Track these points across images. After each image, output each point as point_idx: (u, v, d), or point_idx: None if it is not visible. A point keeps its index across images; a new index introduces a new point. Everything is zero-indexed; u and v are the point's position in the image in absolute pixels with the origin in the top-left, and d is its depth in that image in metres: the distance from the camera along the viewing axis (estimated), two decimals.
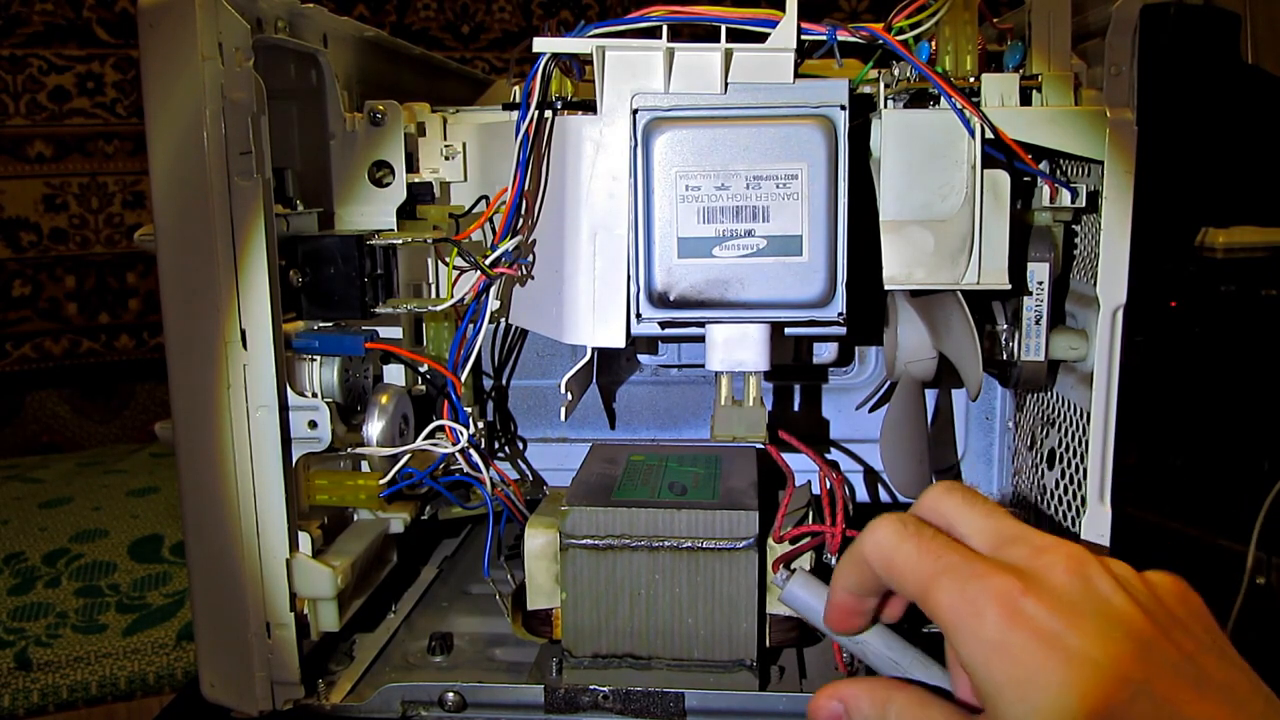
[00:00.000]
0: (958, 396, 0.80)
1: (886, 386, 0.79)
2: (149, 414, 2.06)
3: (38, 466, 1.72)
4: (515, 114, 0.60)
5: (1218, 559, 1.20)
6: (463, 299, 0.62)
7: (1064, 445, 0.65)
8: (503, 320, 0.67)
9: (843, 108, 0.55)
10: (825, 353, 0.75)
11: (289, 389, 0.59)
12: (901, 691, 0.43)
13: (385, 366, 0.72)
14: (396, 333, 0.69)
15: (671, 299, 0.56)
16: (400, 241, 0.63)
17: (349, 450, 0.64)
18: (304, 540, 0.60)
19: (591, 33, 0.58)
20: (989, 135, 0.56)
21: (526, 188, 0.60)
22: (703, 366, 0.79)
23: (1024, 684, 0.37)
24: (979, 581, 0.39)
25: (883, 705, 0.43)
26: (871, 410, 0.80)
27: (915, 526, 0.42)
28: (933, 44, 0.60)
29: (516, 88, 0.65)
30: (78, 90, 1.94)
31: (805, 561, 0.57)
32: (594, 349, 0.62)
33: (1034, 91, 0.59)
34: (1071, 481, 0.64)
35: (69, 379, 2.01)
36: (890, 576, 0.43)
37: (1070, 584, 0.39)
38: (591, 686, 0.60)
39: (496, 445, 0.83)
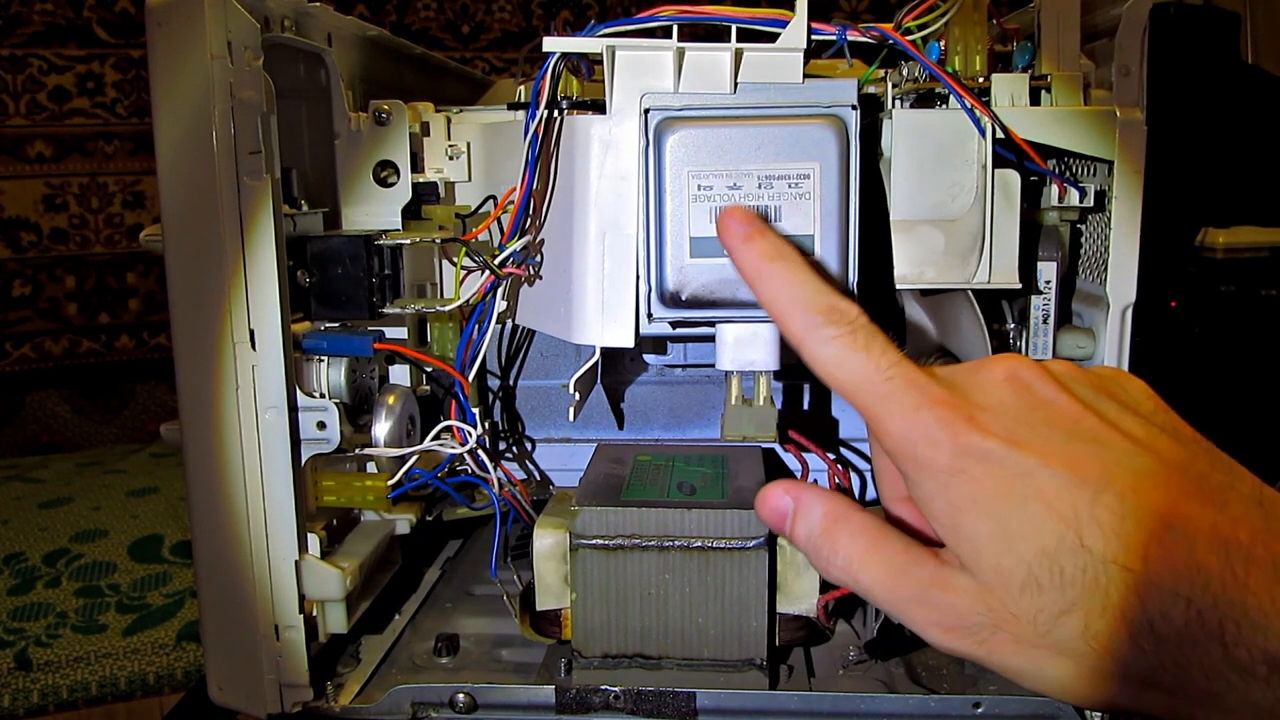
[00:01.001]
0: None
1: None
2: (149, 414, 2.06)
3: (38, 466, 1.72)
4: (520, 114, 0.60)
5: None
6: (469, 299, 0.62)
7: None
8: (509, 321, 0.66)
9: (854, 107, 0.55)
10: None
11: (297, 390, 0.58)
12: (858, 514, 0.41)
13: (390, 367, 0.72)
14: (401, 333, 0.69)
15: (683, 299, 0.56)
16: (408, 241, 0.63)
17: (356, 451, 0.63)
18: (312, 542, 0.60)
19: (601, 32, 0.58)
20: (999, 135, 0.56)
21: (535, 187, 0.60)
22: (708, 366, 0.80)
23: (990, 530, 0.36)
24: (929, 411, 0.38)
25: (834, 522, 0.41)
26: None
27: (866, 337, 0.40)
28: (942, 44, 0.60)
29: (523, 87, 0.64)
30: (78, 90, 1.93)
31: None
32: (601, 349, 0.62)
33: (1043, 91, 0.59)
34: None
35: (69, 379, 2.00)
36: (842, 391, 0.40)
37: (1013, 399, 0.38)
38: (603, 687, 0.60)
39: (502, 446, 0.83)
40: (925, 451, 0.37)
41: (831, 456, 0.65)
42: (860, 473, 0.81)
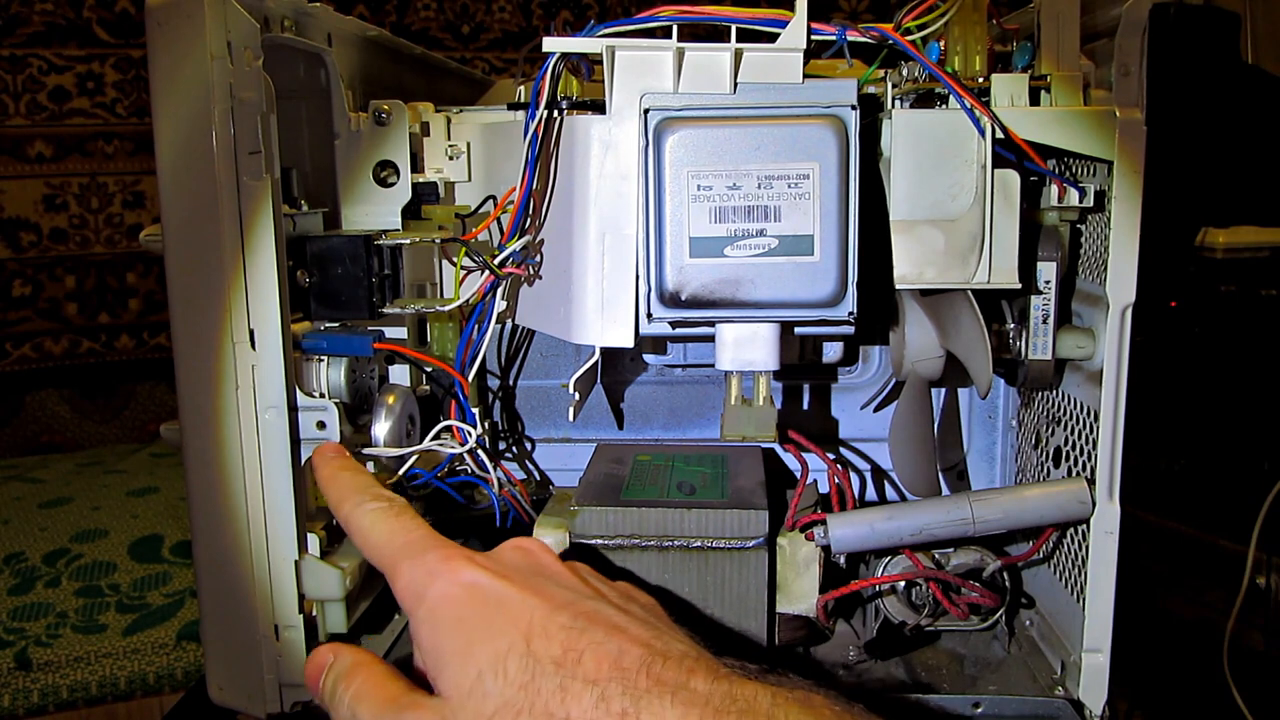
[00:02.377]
0: (961, 395, 0.80)
1: (891, 386, 0.79)
2: (149, 414, 2.06)
3: (38, 467, 1.72)
4: (519, 114, 0.60)
5: (1218, 559, 1.21)
6: (469, 299, 0.62)
7: (1070, 444, 0.65)
8: (508, 320, 0.66)
9: (854, 107, 0.55)
10: (831, 352, 0.75)
11: (297, 389, 0.58)
12: (379, 666, 0.47)
13: (389, 367, 0.72)
14: (401, 333, 0.69)
15: (683, 299, 0.56)
16: (408, 241, 0.63)
17: (357, 450, 0.63)
18: (312, 541, 0.60)
19: (601, 32, 0.58)
20: (999, 135, 0.56)
21: (534, 187, 0.60)
22: (708, 366, 0.80)
23: (458, 645, 0.43)
24: (436, 552, 0.46)
25: (356, 667, 0.47)
26: (876, 410, 0.80)
27: (401, 509, 0.50)
28: (942, 44, 0.60)
29: (523, 87, 0.64)
30: (78, 90, 1.93)
31: None
32: (601, 349, 0.62)
33: (1043, 92, 0.59)
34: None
35: (69, 379, 2.00)
36: (372, 553, 0.49)
37: (516, 556, 0.49)
38: None
39: (502, 445, 0.83)
40: (424, 582, 0.45)
41: (831, 456, 0.65)
42: (860, 472, 0.81)
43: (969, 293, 0.60)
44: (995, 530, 0.60)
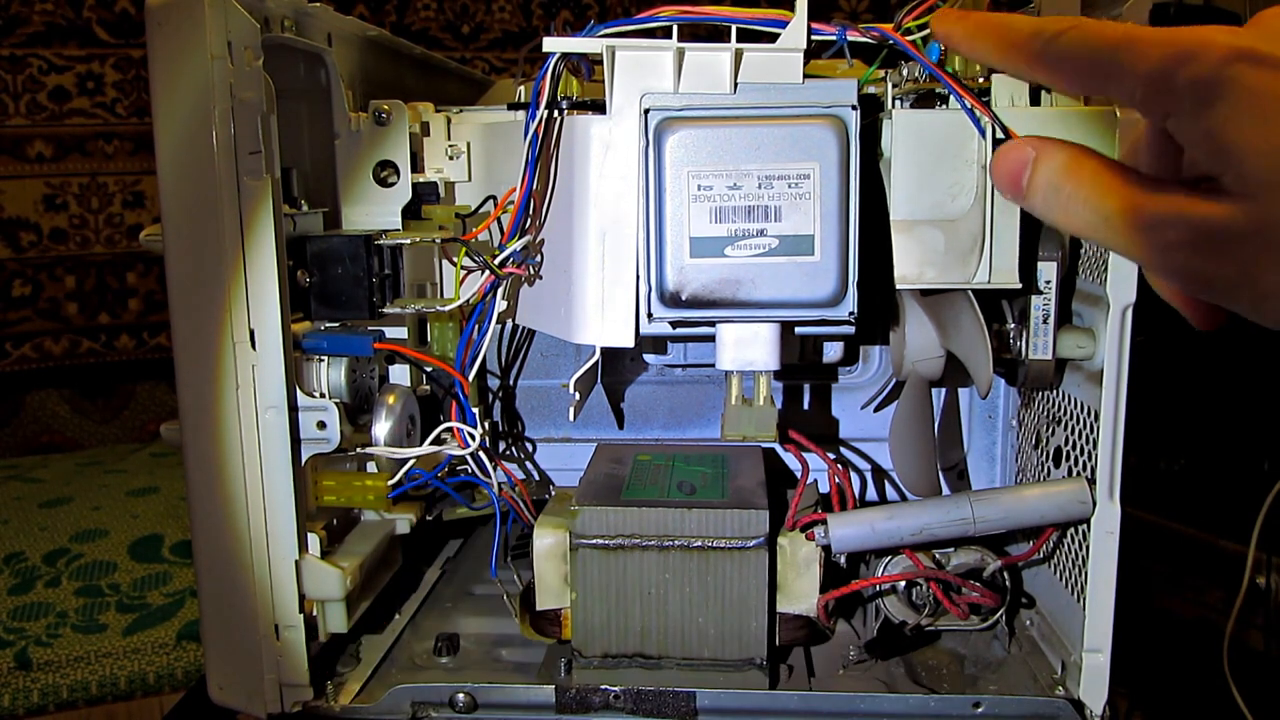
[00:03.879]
0: (962, 395, 0.80)
1: (891, 386, 0.79)
2: (149, 414, 2.06)
3: (38, 466, 1.72)
4: (519, 114, 0.60)
5: (1218, 559, 1.21)
6: (469, 299, 0.62)
7: (1070, 443, 0.65)
8: (509, 320, 0.66)
9: (854, 107, 0.55)
10: (831, 352, 0.75)
11: (297, 389, 0.59)
12: (1100, 155, 0.38)
13: (390, 367, 0.72)
14: (401, 333, 0.69)
15: (683, 298, 0.56)
16: (408, 241, 0.63)
17: (357, 451, 0.63)
18: (312, 541, 0.60)
19: (601, 33, 0.58)
20: (999, 135, 0.56)
21: (535, 188, 0.60)
22: (708, 366, 0.80)
23: (1263, 136, 0.33)
24: (1186, 34, 0.35)
25: (1079, 155, 0.38)
26: (876, 410, 0.80)
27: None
28: (942, 44, 0.60)
29: (523, 87, 0.64)
30: (78, 90, 1.93)
31: None
32: (601, 349, 0.62)
33: (1043, 91, 0.59)
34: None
35: (69, 379, 2.00)
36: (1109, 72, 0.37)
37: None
38: (603, 686, 0.60)
39: (502, 446, 0.83)
40: (1186, 69, 0.34)
41: (831, 456, 0.65)
42: (860, 472, 0.81)
43: (969, 293, 0.60)
44: (995, 530, 0.60)
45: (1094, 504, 0.59)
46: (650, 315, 0.57)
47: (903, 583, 0.65)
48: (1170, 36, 0.35)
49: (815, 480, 0.72)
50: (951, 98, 0.57)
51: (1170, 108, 0.35)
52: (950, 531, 0.59)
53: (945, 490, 0.77)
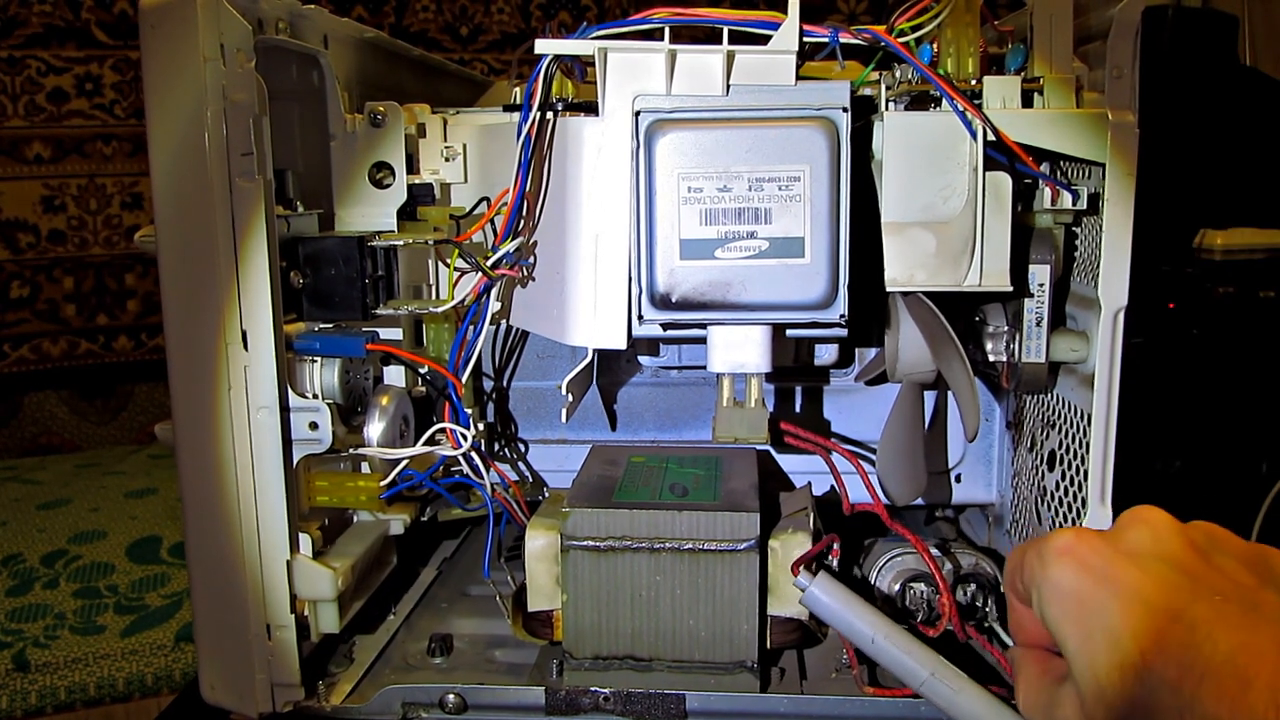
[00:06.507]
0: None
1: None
2: (147, 415, 2.06)
3: (36, 468, 1.72)
4: (515, 116, 0.60)
5: None
6: (463, 300, 0.62)
7: (1064, 447, 0.65)
8: (503, 322, 0.67)
9: (845, 110, 0.55)
10: (826, 354, 0.75)
11: (290, 390, 0.59)
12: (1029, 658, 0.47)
13: (385, 368, 0.72)
14: (396, 334, 0.69)
15: (674, 300, 0.56)
16: (401, 243, 0.63)
17: (349, 451, 0.64)
18: (304, 542, 0.60)
19: (594, 34, 0.58)
20: (991, 137, 0.56)
21: (528, 189, 0.60)
22: (702, 368, 0.80)
23: (1081, 620, 0.41)
24: (1049, 541, 0.43)
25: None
26: (869, 384, 0.79)
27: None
28: (935, 46, 0.60)
29: (518, 89, 0.64)
30: (76, 91, 1.93)
31: None
32: (594, 350, 0.62)
33: (1035, 94, 0.59)
34: (1072, 483, 0.64)
35: (67, 380, 2.00)
36: (1010, 574, 0.47)
37: (1132, 535, 0.42)
38: (592, 688, 0.60)
39: (497, 447, 0.83)
40: (1041, 574, 0.43)
41: (824, 448, 0.65)
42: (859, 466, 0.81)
43: (956, 342, 0.60)
44: (934, 704, 0.56)
45: None
46: (641, 317, 0.57)
47: (897, 585, 0.65)
48: (1040, 544, 0.44)
49: (809, 482, 0.72)
50: (943, 100, 0.57)
51: (1036, 599, 0.44)
52: (896, 670, 0.56)
53: (927, 494, 0.77)
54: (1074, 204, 0.61)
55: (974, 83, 0.59)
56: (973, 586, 0.65)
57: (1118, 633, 0.39)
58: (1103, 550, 0.41)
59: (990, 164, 0.57)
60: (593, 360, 0.62)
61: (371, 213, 0.66)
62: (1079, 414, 0.63)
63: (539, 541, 0.61)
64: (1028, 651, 0.48)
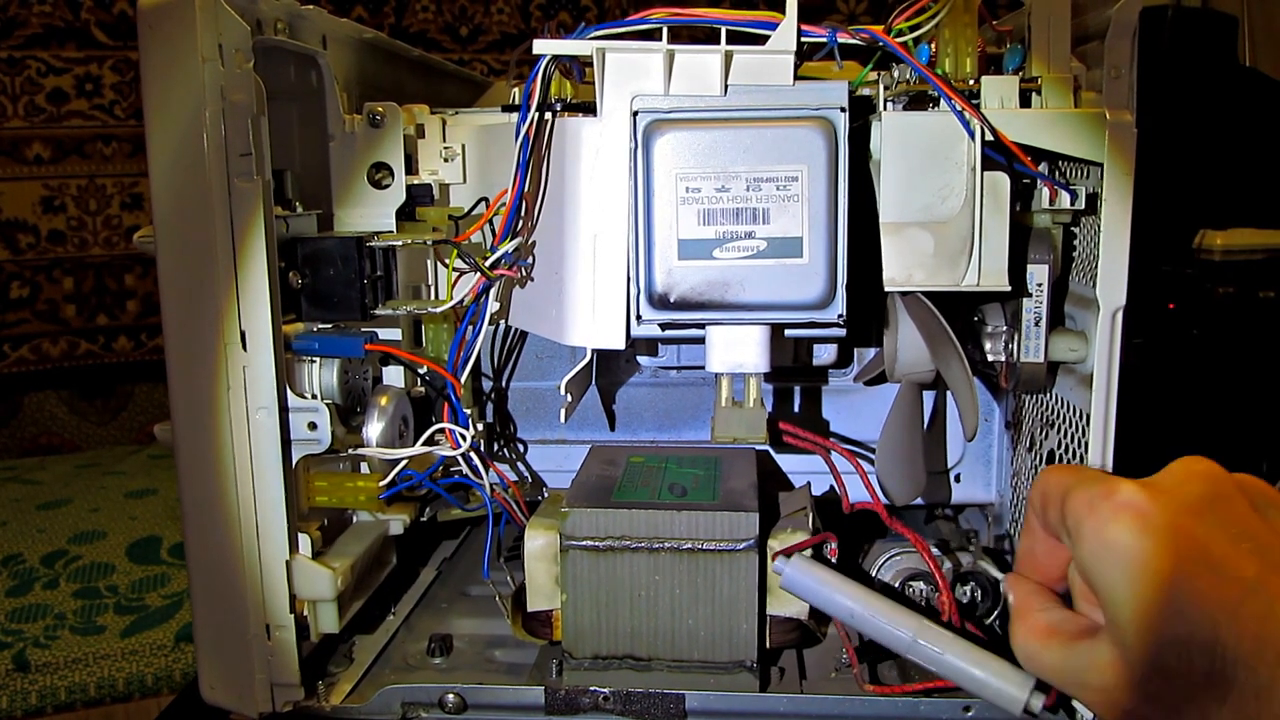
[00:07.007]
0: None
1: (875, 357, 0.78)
2: (147, 415, 2.06)
3: (36, 468, 1.72)
4: (514, 116, 0.60)
5: None
6: (462, 301, 0.62)
7: (1063, 447, 0.65)
8: (502, 322, 0.67)
9: (843, 110, 0.55)
10: (825, 354, 0.75)
11: (289, 390, 0.59)
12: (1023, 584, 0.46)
13: (384, 368, 0.72)
14: (395, 334, 0.69)
15: (672, 301, 0.56)
16: (400, 243, 0.63)
17: (349, 451, 0.64)
18: (304, 542, 0.60)
19: (592, 35, 0.58)
20: (989, 137, 0.56)
21: (526, 189, 0.60)
22: (702, 368, 0.79)
23: (1143, 585, 0.38)
24: (1108, 492, 0.40)
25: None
26: (868, 383, 0.80)
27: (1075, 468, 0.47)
28: (932, 46, 0.60)
29: (516, 89, 0.65)
30: (76, 92, 1.93)
31: None
32: (593, 350, 0.62)
33: (1033, 94, 0.59)
34: None
35: (67, 381, 2.00)
36: (1043, 501, 0.44)
37: (1194, 490, 0.40)
38: (592, 688, 0.60)
39: (496, 447, 0.83)
40: (1089, 520, 0.41)
41: (824, 448, 0.65)
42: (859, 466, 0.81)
43: (955, 342, 0.60)
44: (925, 666, 0.56)
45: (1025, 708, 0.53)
46: (639, 317, 0.58)
47: (896, 584, 0.65)
48: (1090, 487, 0.41)
49: (809, 482, 0.72)
50: (941, 100, 0.57)
51: (1075, 542, 0.42)
52: (882, 639, 0.57)
53: (927, 494, 0.77)
54: (1072, 204, 0.61)
55: (972, 83, 0.59)
56: (972, 585, 0.65)
57: (1185, 605, 0.37)
58: (1168, 508, 0.39)
59: (988, 164, 0.57)
60: (591, 360, 0.62)
61: (370, 213, 0.66)
62: (1078, 414, 0.63)
63: (538, 541, 0.61)
64: (1032, 587, 0.46)
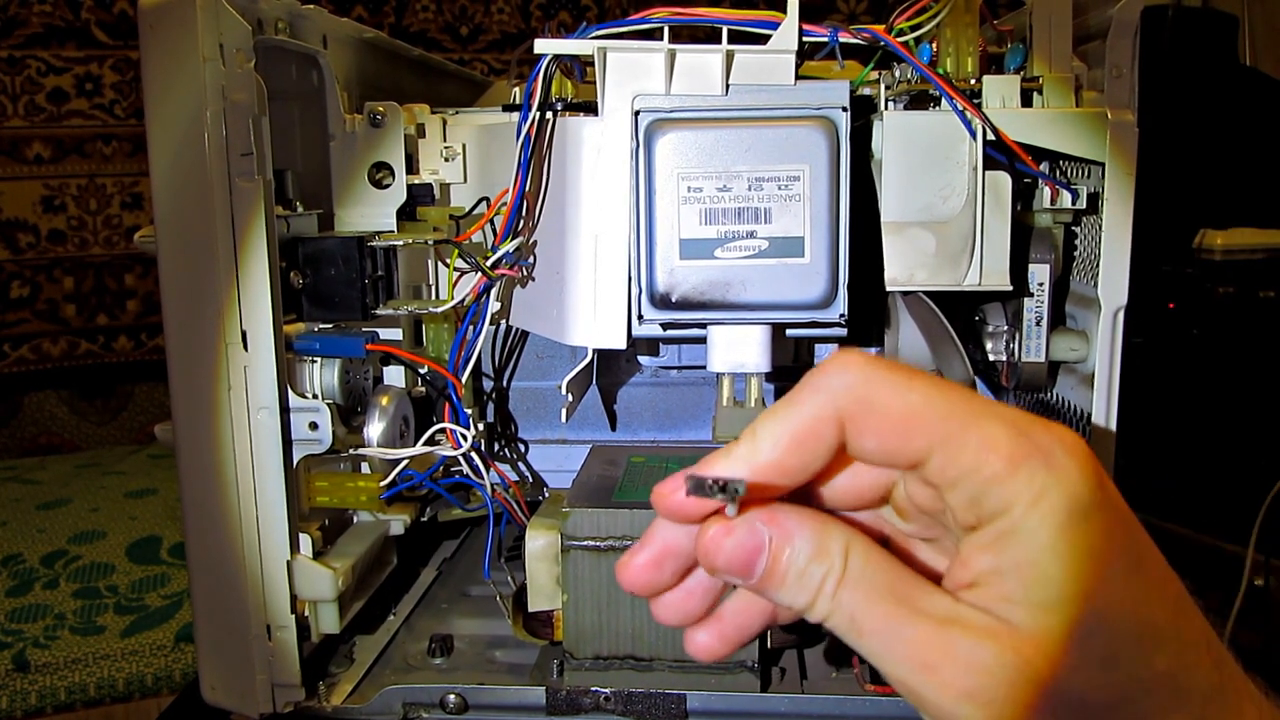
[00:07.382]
0: None
1: None
2: (147, 415, 2.06)
3: (36, 468, 1.72)
4: (515, 116, 0.60)
5: (1216, 560, 1.20)
6: (463, 300, 0.62)
7: None
8: (503, 322, 0.67)
9: (844, 109, 0.55)
10: (826, 354, 0.75)
11: (290, 390, 0.59)
12: (862, 538, 0.33)
13: (385, 368, 0.72)
14: (396, 334, 0.69)
15: (673, 300, 0.56)
16: (401, 243, 0.63)
17: (349, 452, 0.64)
18: (304, 542, 0.60)
19: (593, 34, 0.58)
20: (990, 137, 0.56)
21: (527, 189, 0.60)
22: (702, 368, 0.80)
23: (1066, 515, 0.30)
24: (1045, 430, 0.31)
25: (840, 548, 0.33)
26: None
27: (901, 366, 0.33)
28: (934, 46, 0.60)
29: (517, 89, 0.65)
30: (76, 91, 1.93)
31: None
32: (594, 350, 0.62)
33: (1035, 93, 0.59)
34: None
35: (67, 380, 2.00)
36: (896, 429, 0.32)
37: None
38: (593, 688, 0.60)
39: (497, 447, 0.83)
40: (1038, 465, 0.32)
41: None
42: None
43: (958, 343, 0.60)
44: None
45: None
46: (641, 317, 0.57)
47: None
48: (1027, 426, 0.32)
49: None
50: (942, 99, 0.57)
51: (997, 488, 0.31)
52: None
53: None
54: (1073, 203, 0.61)
55: (973, 82, 0.59)
56: None
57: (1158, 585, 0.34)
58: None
59: (990, 163, 0.57)
60: (592, 360, 0.62)
61: (371, 213, 0.66)
62: (1079, 413, 0.63)
63: (539, 541, 0.61)
64: (897, 566, 0.33)
